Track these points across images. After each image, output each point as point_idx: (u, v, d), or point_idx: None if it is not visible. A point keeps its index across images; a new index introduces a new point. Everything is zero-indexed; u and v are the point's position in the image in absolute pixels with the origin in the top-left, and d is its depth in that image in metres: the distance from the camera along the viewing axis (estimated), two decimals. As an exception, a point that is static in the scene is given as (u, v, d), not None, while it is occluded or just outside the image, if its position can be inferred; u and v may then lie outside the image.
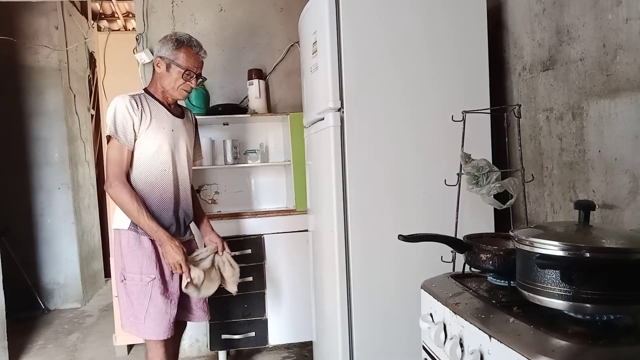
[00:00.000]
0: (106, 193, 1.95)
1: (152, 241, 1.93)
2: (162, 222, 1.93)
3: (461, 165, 1.66)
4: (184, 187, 2.06)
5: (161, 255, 1.93)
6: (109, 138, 1.90)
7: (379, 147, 1.92)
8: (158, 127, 1.94)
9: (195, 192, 2.33)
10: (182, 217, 2.05)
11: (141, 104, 1.91)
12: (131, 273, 1.91)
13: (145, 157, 1.93)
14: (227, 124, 3.12)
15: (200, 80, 2.04)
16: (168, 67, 1.96)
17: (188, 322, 2.17)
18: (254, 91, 2.99)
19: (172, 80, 1.96)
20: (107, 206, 3.42)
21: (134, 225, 1.91)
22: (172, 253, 1.87)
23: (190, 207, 2.11)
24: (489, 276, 1.32)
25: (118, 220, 1.95)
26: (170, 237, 1.89)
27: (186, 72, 1.95)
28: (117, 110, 1.87)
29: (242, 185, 3.18)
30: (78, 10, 4.64)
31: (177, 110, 2.08)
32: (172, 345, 2.04)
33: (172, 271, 1.94)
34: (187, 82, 1.98)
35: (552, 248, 0.96)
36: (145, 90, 2.02)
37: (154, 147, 1.93)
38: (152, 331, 1.91)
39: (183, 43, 1.96)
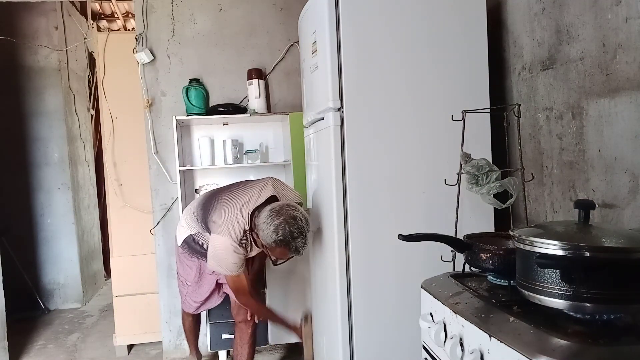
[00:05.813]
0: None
1: (198, 260, 2.47)
2: None
3: (461, 165, 1.66)
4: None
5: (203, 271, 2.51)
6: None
7: (378, 146, 1.92)
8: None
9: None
10: None
11: (243, 247, 2.19)
12: (177, 271, 2.65)
13: None
14: (227, 124, 3.12)
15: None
16: (262, 245, 2.17)
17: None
18: (254, 91, 2.99)
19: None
20: (107, 206, 3.43)
21: (185, 244, 2.46)
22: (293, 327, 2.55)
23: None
24: (489, 275, 1.32)
25: (178, 236, 2.49)
26: (284, 318, 2.57)
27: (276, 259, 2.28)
28: (232, 257, 2.17)
29: (242, 185, 3.17)
30: (77, 10, 4.63)
31: None
32: (195, 316, 2.79)
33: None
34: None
35: (552, 247, 0.96)
36: (252, 229, 2.18)
37: None
38: (182, 304, 2.72)
39: (282, 244, 2.07)
